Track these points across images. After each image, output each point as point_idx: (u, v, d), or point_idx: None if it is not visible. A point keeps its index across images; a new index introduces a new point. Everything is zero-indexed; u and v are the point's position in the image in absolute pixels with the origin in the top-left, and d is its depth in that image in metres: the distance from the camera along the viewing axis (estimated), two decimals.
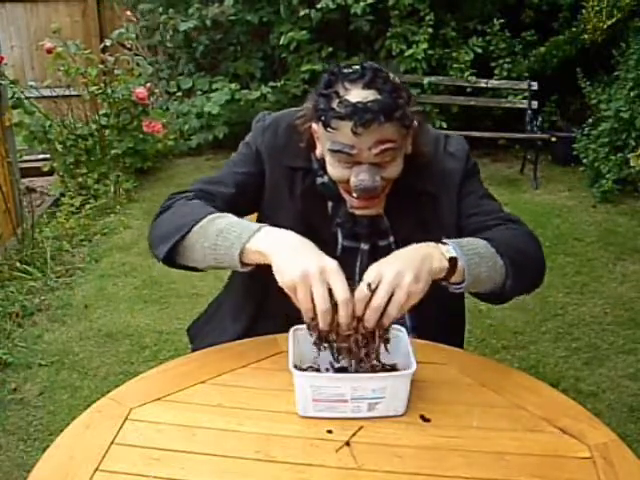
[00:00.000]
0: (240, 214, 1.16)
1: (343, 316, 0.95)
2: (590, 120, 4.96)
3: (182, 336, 2.73)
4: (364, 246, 1.27)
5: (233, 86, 5.44)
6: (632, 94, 4.47)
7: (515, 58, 5.50)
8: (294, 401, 0.99)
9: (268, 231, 1.05)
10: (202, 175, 1.44)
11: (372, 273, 0.98)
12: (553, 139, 5.16)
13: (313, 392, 0.97)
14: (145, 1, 5.80)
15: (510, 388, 1.08)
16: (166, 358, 2.57)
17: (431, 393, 1.05)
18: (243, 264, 1.06)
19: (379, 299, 0.96)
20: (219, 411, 1.01)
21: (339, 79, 1.16)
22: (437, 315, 1.27)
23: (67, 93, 4.93)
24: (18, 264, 3.39)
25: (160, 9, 5.67)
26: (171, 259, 1.16)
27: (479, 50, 5.43)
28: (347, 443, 0.93)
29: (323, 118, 1.14)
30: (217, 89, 5.49)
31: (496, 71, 5.51)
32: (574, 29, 5.25)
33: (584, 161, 4.86)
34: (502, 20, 5.40)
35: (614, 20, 4.93)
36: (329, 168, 1.20)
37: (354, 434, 0.95)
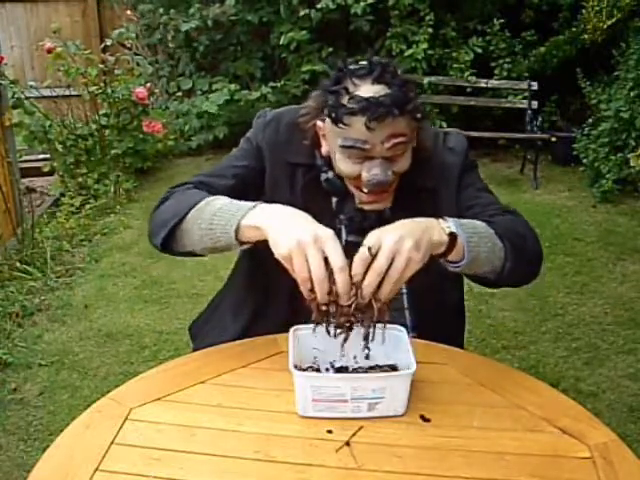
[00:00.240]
0: None
1: (341, 283, 0.94)
2: (590, 120, 4.96)
3: (182, 336, 2.74)
4: None
5: (233, 86, 5.44)
6: (632, 94, 4.48)
7: (515, 58, 5.50)
8: (294, 401, 0.99)
9: (263, 207, 1.05)
10: None
11: (372, 238, 0.97)
12: (553, 139, 5.16)
13: (313, 392, 0.97)
14: (145, 1, 5.80)
15: (510, 388, 1.08)
16: (166, 358, 2.57)
17: (431, 393, 1.05)
18: (240, 242, 1.06)
19: (379, 263, 0.95)
20: (219, 411, 1.01)
21: (347, 75, 1.16)
22: (437, 314, 1.27)
23: (67, 93, 4.94)
24: (18, 264, 3.39)
25: (161, 9, 5.67)
26: (169, 245, 1.16)
27: (479, 50, 5.43)
28: (347, 443, 0.93)
29: (334, 115, 1.14)
30: (217, 89, 5.50)
31: (496, 71, 5.51)
32: (574, 29, 5.25)
33: (584, 161, 4.86)
34: (502, 20, 5.40)
35: (614, 20, 4.94)
36: (339, 164, 1.20)
37: (354, 434, 0.95)
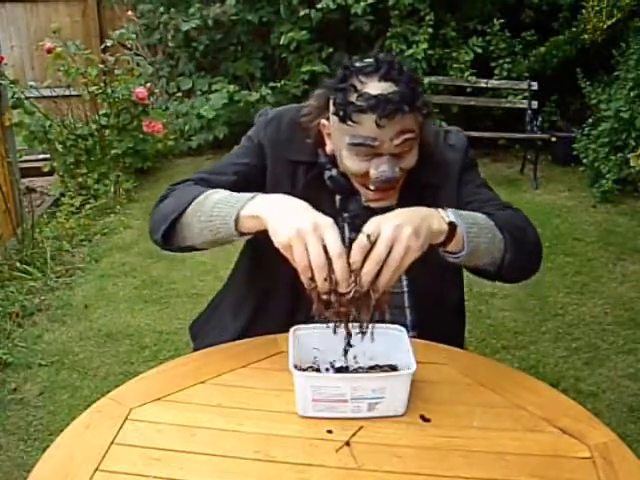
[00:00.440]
0: None
1: (339, 270, 0.93)
2: (590, 120, 4.96)
3: (182, 336, 2.74)
4: None
5: (232, 88, 5.44)
6: (632, 94, 4.48)
7: (515, 58, 5.50)
8: (294, 401, 0.99)
9: (263, 197, 1.05)
10: None
11: (371, 226, 0.96)
12: (553, 139, 5.16)
13: (313, 392, 0.97)
14: (145, 1, 5.80)
15: (510, 388, 1.07)
16: (166, 358, 2.57)
17: (431, 393, 1.05)
18: (240, 233, 1.06)
19: (378, 251, 0.94)
20: (219, 411, 1.01)
21: (354, 73, 1.16)
22: (437, 313, 1.27)
23: (67, 93, 4.94)
24: (18, 264, 3.39)
25: (161, 9, 5.67)
26: (170, 239, 1.16)
27: (479, 50, 5.43)
28: (347, 443, 0.93)
29: (342, 112, 1.14)
30: (217, 90, 5.49)
31: (496, 71, 5.51)
32: (574, 29, 5.25)
33: (584, 161, 4.86)
34: (502, 20, 5.41)
35: (614, 20, 4.94)
36: (346, 162, 1.19)
37: (354, 434, 0.95)
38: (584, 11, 5.12)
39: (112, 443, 0.93)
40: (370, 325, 1.00)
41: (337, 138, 1.20)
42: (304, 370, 1.04)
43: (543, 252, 1.24)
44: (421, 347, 1.11)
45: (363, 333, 1.01)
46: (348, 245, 0.96)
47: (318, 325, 1.09)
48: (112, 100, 4.84)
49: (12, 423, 2.26)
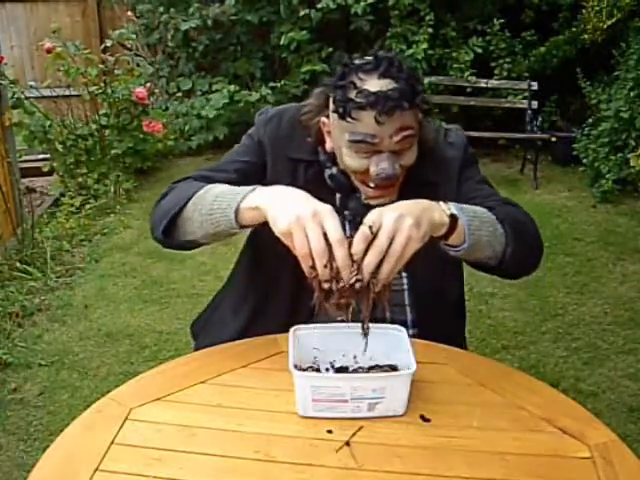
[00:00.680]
0: None
1: (339, 257, 0.93)
2: (590, 120, 4.96)
3: (182, 336, 2.74)
4: None
5: (232, 88, 5.43)
6: (632, 94, 4.47)
7: (515, 58, 5.50)
8: (294, 401, 0.99)
9: (262, 189, 1.05)
10: None
11: (373, 216, 0.96)
12: (553, 139, 5.16)
13: (313, 392, 0.97)
14: (145, 1, 5.80)
15: (510, 388, 1.07)
16: (166, 358, 2.57)
17: (431, 393, 1.05)
18: (240, 226, 1.06)
19: (380, 241, 0.94)
20: (219, 411, 1.01)
21: (353, 70, 1.16)
22: (438, 311, 1.27)
23: (67, 93, 4.94)
24: (18, 264, 3.39)
25: (160, 9, 5.67)
26: (171, 235, 1.16)
27: (479, 50, 5.43)
28: (347, 443, 0.93)
29: (342, 109, 1.14)
30: (217, 90, 5.49)
31: (496, 71, 5.51)
32: (574, 29, 5.25)
33: (584, 161, 4.86)
34: (502, 20, 5.40)
35: (614, 20, 4.93)
36: (346, 159, 1.19)
37: (354, 434, 0.95)
38: (584, 11, 5.12)
39: (112, 443, 0.93)
40: (370, 325, 1.00)
41: (337, 136, 1.20)
42: (304, 370, 1.04)
43: (543, 247, 1.24)
44: (421, 347, 1.11)
45: (365, 335, 1.01)
46: (349, 236, 0.95)
47: (318, 325, 1.10)
48: (112, 100, 4.84)
49: (12, 423, 2.26)
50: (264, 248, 1.33)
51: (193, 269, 3.50)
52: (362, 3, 5.18)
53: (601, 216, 4.33)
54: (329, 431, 0.96)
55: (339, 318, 0.99)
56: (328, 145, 1.25)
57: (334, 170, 1.27)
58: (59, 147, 4.73)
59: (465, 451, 0.92)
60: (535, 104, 5.29)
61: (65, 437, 0.95)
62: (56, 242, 3.72)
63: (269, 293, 1.32)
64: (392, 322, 1.18)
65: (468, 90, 5.46)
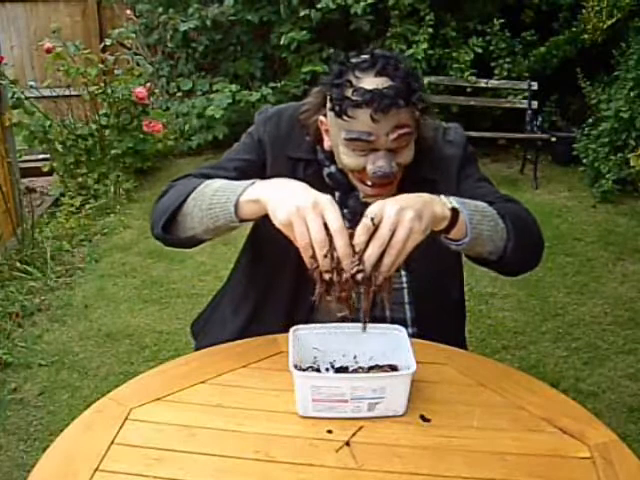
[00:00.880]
0: None
1: (340, 246, 0.93)
2: (590, 120, 4.96)
3: (182, 336, 2.74)
4: None
5: (234, 87, 5.43)
6: (632, 94, 4.47)
7: (515, 58, 5.50)
8: (294, 401, 0.99)
9: (262, 182, 1.06)
10: None
11: (374, 208, 0.96)
12: (553, 139, 5.15)
13: (313, 392, 0.97)
14: (144, 1, 5.80)
15: (510, 388, 1.07)
16: (166, 358, 2.56)
17: (431, 393, 1.05)
18: (240, 219, 1.06)
19: (382, 232, 0.94)
20: (219, 411, 1.01)
21: (349, 69, 1.16)
22: (437, 310, 1.27)
23: (67, 93, 4.93)
24: (18, 264, 3.39)
25: (160, 9, 5.67)
26: (171, 231, 1.16)
27: (479, 50, 5.42)
28: (347, 443, 0.93)
29: (338, 107, 1.14)
30: (217, 90, 5.49)
31: (496, 71, 5.50)
32: (574, 29, 5.25)
33: (584, 161, 4.86)
34: (502, 20, 5.40)
35: (614, 20, 4.93)
36: (343, 158, 1.20)
37: (354, 434, 0.95)
38: (584, 11, 5.12)
39: (112, 443, 0.93)
40: (370, 325, 1.00)
41: (334, 134, 1.21)
42: (304, 370, 1.04)
43: (544, 244, 1.24)
44: (421, 347, 1.10)
45: (364, 327, 1.00)
46: (352, 219, 0.95)
47: (318, 325, 1.10)
48: (112, 100, 4.83)
49: (12, 423, 2.26)
50: (264, 247, 1.33)
51: (193, 269, 3.50)
52: (362, 3, 5.18)
53: (601, 216, 4.33)
54: (329, 431, 0.96)
55: (339, 315, 0.99)
56: (326, 144, 1.25)
57: (332, 169, 1.27)
58: (59, 147, 4.72)
59: (465, 451, 0.92)
60: (535, 104, 5.29)
61: (65, 437, 0.95)
62: (56, 242, 3.72)
63: (268, 292, 1.32)
64: (391, 320, 1.18)
65: (468, 90, 5.45)
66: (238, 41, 5.78)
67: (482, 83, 5.43)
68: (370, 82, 1.13)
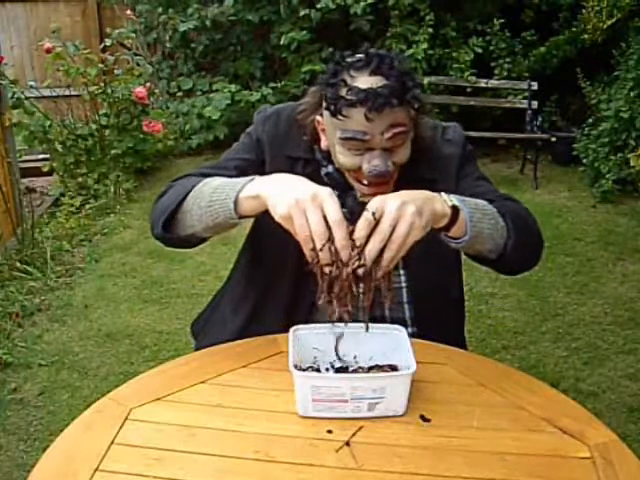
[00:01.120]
0: None
1: (339, 238, 0.93)
2: (590, 120, 4.96)
3: (182, 336, 2.74)
4: None
5: (233, 87, 5.43)
6: (632, 94, 4.47)
7: (515, 58, 5.50)
8: (294, 401, 0.99)
9: (261, 178, 1.06)
10: None
11: (375, 203, 0.96)
12: (553, 139, 5.15)
13: (313, 392, 0.97)
14: (143, 1, 5.80)
15: (510, 388, 1.07)
16: (166, 358, 2.56)
17: (431, 393, 1.05)
18: (240, 216, 1.06)
19: (383, 227, 0.94)
20: (219, 411, 1.01)
21: (344, 68, 1.17)
22: (436, 309, 1.27)
23: (67, 93, 4.93)
24: (18, 264, 3.39)
25: (159, 9, 5.67)
26: (171, 230, 1.16)
27: (479, 50, 5.42)
28: (347, 443, 0.93)
29: (333, 107, 1.14)
30: (217, 90, 5.49)
31: (496, 71, 5.50)
32: (574, 29, 5.25)
33: (584, 161, 4.86)
34: (502, 20, 5.40)
35: (614, 20, 4.93)
36: (339, 157, 1.20)
37: (354, 434, 0.95)
38: (584, 11, 5.12)
39: (112, 443, 0.93)
40: (370, 324, 1.00)
41: (330, 133, 1.21)
42: (304, 370, 1.04)
43: (544, 243, 1.24)
44: (421, 347, 1.10)
45: (367, 328, 1.00)
46: (350, 219, 0.95)
47: (318, 325, 1.10)
48: (112, 100, 4.83)
49: (12, 423, 2.26)
50: (263, 247, 1.33)
51: (193, 269, 3.50)
52: (362, 3, 5.18)
53: (601, 216, 4.33)
54: (329, 431, 0.96)
55: (339, 312, 0.98)
56: (323, 143, 1.26)
57: (330, 168, 1.27)
58: (59, 147, 4.72)
59: (465, 451, 0.92)
60: (535, 104, 5.29)
61: (65, 437, 0.95)
62: (56, 242, 3.72)
63: (268, 292, 1.33)
64: (391, 320, 1.18)
65: (468, 90, 5.45)
66: (238, 41, 5.78)
67: (482, 83, 5.43)
68: (364, 81, 1.13)
